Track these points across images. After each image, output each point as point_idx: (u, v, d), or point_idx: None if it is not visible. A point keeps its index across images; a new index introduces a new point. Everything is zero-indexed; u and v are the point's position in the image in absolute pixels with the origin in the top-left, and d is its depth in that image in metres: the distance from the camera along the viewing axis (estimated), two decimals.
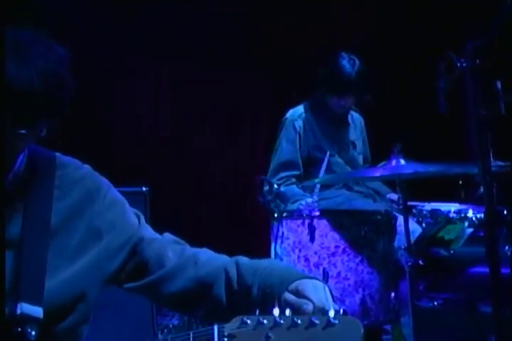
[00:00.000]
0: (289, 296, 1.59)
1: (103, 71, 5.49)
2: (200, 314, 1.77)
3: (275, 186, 3.63)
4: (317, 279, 1.64)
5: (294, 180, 4.11)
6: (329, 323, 1.39)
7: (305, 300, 1.55)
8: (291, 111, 4.24)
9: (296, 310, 1.51)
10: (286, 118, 4.21)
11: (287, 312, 1.42)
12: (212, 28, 5.57)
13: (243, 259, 1.77)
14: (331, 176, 3.95)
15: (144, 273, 1.78)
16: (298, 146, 4.14)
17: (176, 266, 1.77)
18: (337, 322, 1.39)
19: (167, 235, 1.86)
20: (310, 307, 1.52)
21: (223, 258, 1.79)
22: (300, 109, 4.23)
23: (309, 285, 1.60)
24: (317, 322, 1.39)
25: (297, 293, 1.59)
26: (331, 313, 1.39)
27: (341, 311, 1.42)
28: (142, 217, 1.85)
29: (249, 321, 1.41)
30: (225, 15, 5.56)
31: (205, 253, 1.82)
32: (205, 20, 5.56)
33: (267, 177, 4.06)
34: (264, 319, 1.40)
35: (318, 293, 1.56)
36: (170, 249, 1.80)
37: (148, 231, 1.83)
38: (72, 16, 5.45)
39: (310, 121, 4.16)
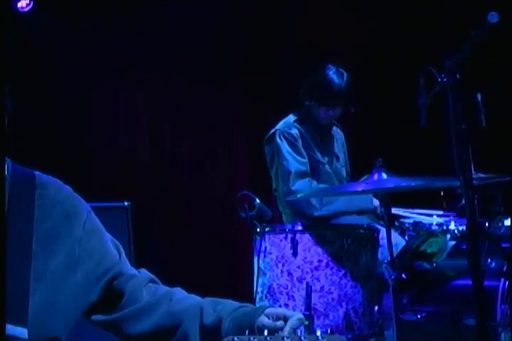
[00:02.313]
0: (265, 319, 1.64)
1: (81, 87, 5.49)
2: None
3: (257, 200, 3.63)
4: None
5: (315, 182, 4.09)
6: None
7: (279, 321, 1.61)
8: (281, 122, 4.20)
9: (272, 329, 1.57)
10: (276, 130, 4.13)
11: (265, 332, 1.46)
12: (187, 46, 5.57)
13: (220, 299, 1.80)
14: (312, 191, 3.95)
15: (116, 308, 1.77)
16: (304, 153, 4.09)
17: (149, 302, 1.77)
18: (325, 340, 1.40)
19: (143, 272, 1.86)
20: (281, 323, 1.60)
21: (198, 298, 1.81)
22: (289, 119, 4.20)
23: (281, 309, 1.70)
24: None
25: (277, 317, 1.63)
26: (318, 332, 1.41)
27: (328, 331, 1.43)
28: (122, 250, 1.84)
29: None
30: (201, 33, 5.57)
31: (180, 292, 1.83)
32: (181, 38, 5.57)
33: (290, 184, 3.99)
34: (254, 338, 1.41)
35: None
36: (145, 287, 1.80)
37: (128, 267, 1.82)
38: (48, 36, 5.45)
39: (302, 130, 4.14)
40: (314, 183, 4.04)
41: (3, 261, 1.58)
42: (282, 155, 4.06)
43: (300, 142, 4.10)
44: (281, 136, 4.09)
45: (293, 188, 3.97)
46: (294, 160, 4.04)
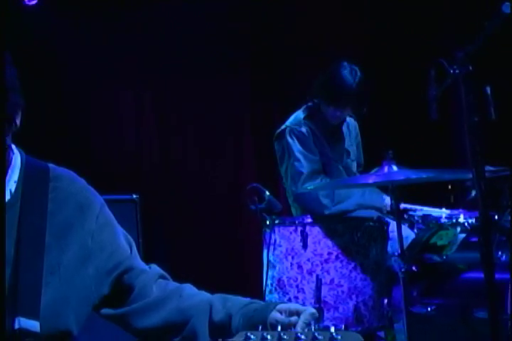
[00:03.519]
0: (278, 315, 1.62)
1: (91, 82, 5.50)
2: None
3: (267, 193, 3.62)
4: None
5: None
6: (332, 338, 1.39)
7: (293, 317, 1.59)
8: (289, 119, 4.09)
9: (285, 324, 1.56)
10: (287, 127, 4.02)
11: (278, 328, 1.46)
12: (194, 44, 5.56)
13: (229, 295, 1.79)
14: (323, 183, 3.91)
15: (125, 302, 1.78)
16: (315, 150, 3.98)
17: (158, 298, 1.78)
18: (339, 337, 1.39)
19: (154, 267, 1.85)
20: (296, 318, 1.57)
21: (207, 294, 1.81)
22: (299, 115, 4.08)
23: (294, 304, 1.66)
24: (320, 337, 1.40)
25: (289, 312, 1.62)
26: (332, 329, 1.40)
27: (343, 327, 1.43)
28: (134, 245, 1.84)
29: (253, 336, 1.42)
30: (207, 32, 5.56)
31: (190, 288, 1.83)
32: (188, 37, 5.56)
33: (300, 185, 3.89)
34: (267, 334, 1.41)
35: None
36: (155, 282, 1.81)
37: (138, 262, 1.83)
38: (53, 35, 5.45)
39: (312, 127, 4.02)
40: (326, 181, 3.97)
41: (3, 256, 1.59)
42: (294, 155, 3.95)
43: (311, 139, 4.00)
44: (292, 135, 3.97)
45: (300, 190, 3.90)
46: (306, 160, 3.92)
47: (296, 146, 3.96)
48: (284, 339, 1.40)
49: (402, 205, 3.80)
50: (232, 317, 1.69)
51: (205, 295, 1.80)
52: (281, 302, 1.67)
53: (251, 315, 1.67)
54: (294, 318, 1.59)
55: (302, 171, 3.91)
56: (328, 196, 3.85)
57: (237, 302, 1.74)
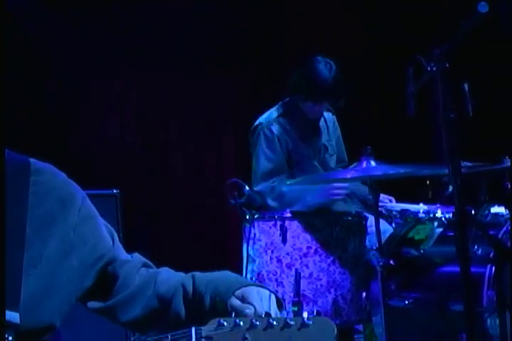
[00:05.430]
0: (235, 301, 1.64)
1: (72, 74, 5.49)
2: (162, 329, 1.80)
3: (246, 188, 3.64)
4: (265, 287, 1.69)
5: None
6: (304, 324, 1.42)
7: (247, 305, 1.60)
8: (264, 115, 4.11)
9: (240, 314, 1.56)
10: (260, 123, 4.06)
11: (232, 315, 1.50)
12: (180, 40, 5.56)
13: (198, 273, 1.80)
14: (302, 178, 3.94)
15: (111, 294, 1.78)
16: (279, 150, 4.01)
17: (138, 287, 1.79)
18: (311, 323, 1.42)
19: (136, 256, 1.86)
20: (251, 311, 1.58)
21: (180, 275, 1.81)
22: (273, 113, 4.10)
23: (254, 292, 1.65)
24: (292, 323, 1.43)
25: (242, 299, 1.64)
26: (305, 314, 1.43)
27: (315, 312, 1.45)
28: (116, 235, 1.85)
29: (225, 323, 1.44)
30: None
31: (165, 272, 1.83)
32: (177, 33, 5.56)
33: (254, 184, 3.94)
34: (240, 321, 1.43)
35: (262, 300, 1.62)
36: (137, 272, 1.81)
37: (121, 252, 1.83)
38: (39, 28, 5.43)
39: (285, 125, 4.04)
40: (280, 183, 3.93)
41: (3, 250, 1.60)
42: (256, 153, 4.01)
43: (281, 138, 4.01)
44: (261, 132, 4.01)
45: (255, 189, 3.92)
46: (264, 159, 3.97)
47: (261, 145, 4.00)
48: (257, 325, 1.43)
49: (393, 203, 3.88)
50: (204, 297, 1.70)
51: (178, 276, 1.80)
52: (242, 286, 1.67)
53: (218, 299, 1.67)
54: (248, 311, 1.59)
55: (257, 171, 3.98)
56: (276, 199, 3.88)
57: (204, 282, 1.74)
